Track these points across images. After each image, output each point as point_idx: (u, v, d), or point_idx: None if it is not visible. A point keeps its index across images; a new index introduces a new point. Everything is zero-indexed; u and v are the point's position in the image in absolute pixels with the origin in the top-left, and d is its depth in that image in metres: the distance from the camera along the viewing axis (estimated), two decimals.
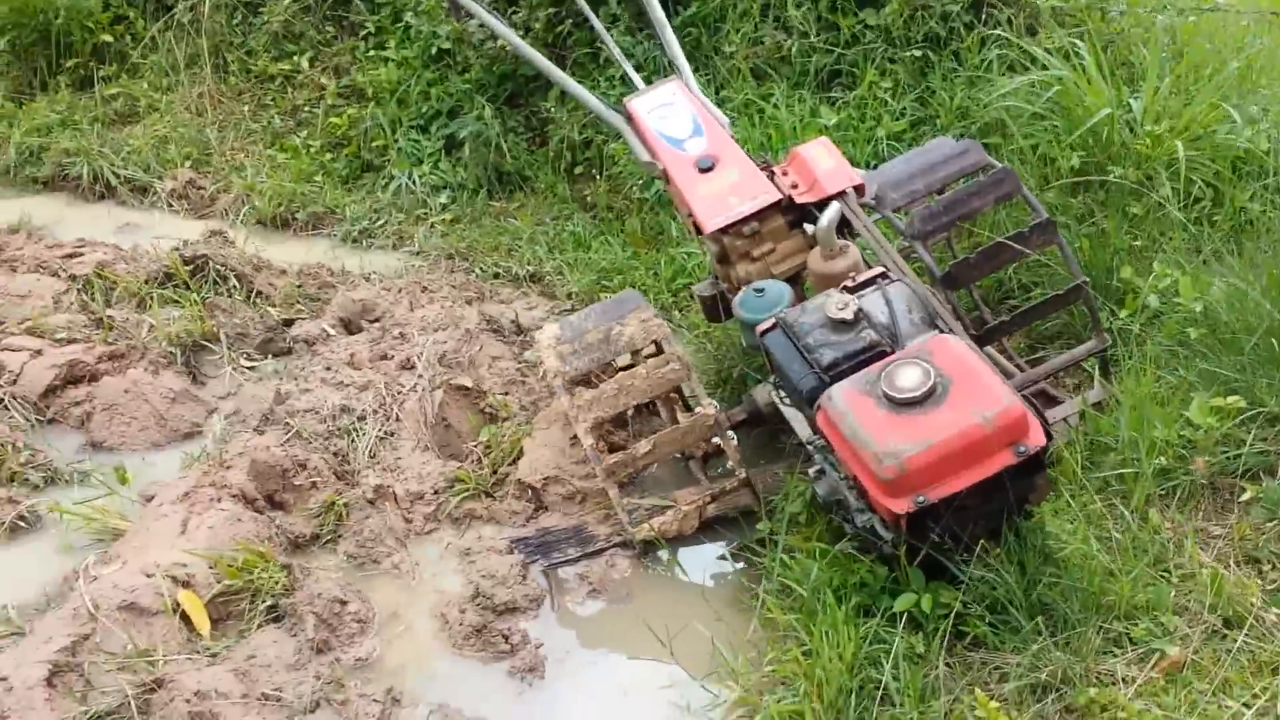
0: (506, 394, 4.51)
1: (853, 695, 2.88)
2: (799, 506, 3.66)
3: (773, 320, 3.43)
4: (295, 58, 7.12)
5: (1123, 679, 2.88)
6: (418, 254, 6.06)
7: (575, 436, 4.06)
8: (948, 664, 2.98)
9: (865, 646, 3.00)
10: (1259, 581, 3.07)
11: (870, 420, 2.99)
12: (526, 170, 6.49)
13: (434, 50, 6.73)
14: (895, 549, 3.05)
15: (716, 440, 4.00)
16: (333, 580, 3.61)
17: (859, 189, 3.87)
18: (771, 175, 4.00)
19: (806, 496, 3.66)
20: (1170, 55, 5.21)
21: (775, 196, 3.90)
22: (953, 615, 3.02)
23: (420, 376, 4.51)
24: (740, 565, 3.70)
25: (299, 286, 5.40)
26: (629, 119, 4.36)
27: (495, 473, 4.14)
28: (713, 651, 3.28)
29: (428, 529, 3.98)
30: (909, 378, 3.00)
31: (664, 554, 3.76)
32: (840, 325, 3.26)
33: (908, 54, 5.62)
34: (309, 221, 6.42)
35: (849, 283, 3.42)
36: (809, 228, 3.88)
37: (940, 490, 2.90)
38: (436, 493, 4.06)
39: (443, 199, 6.42)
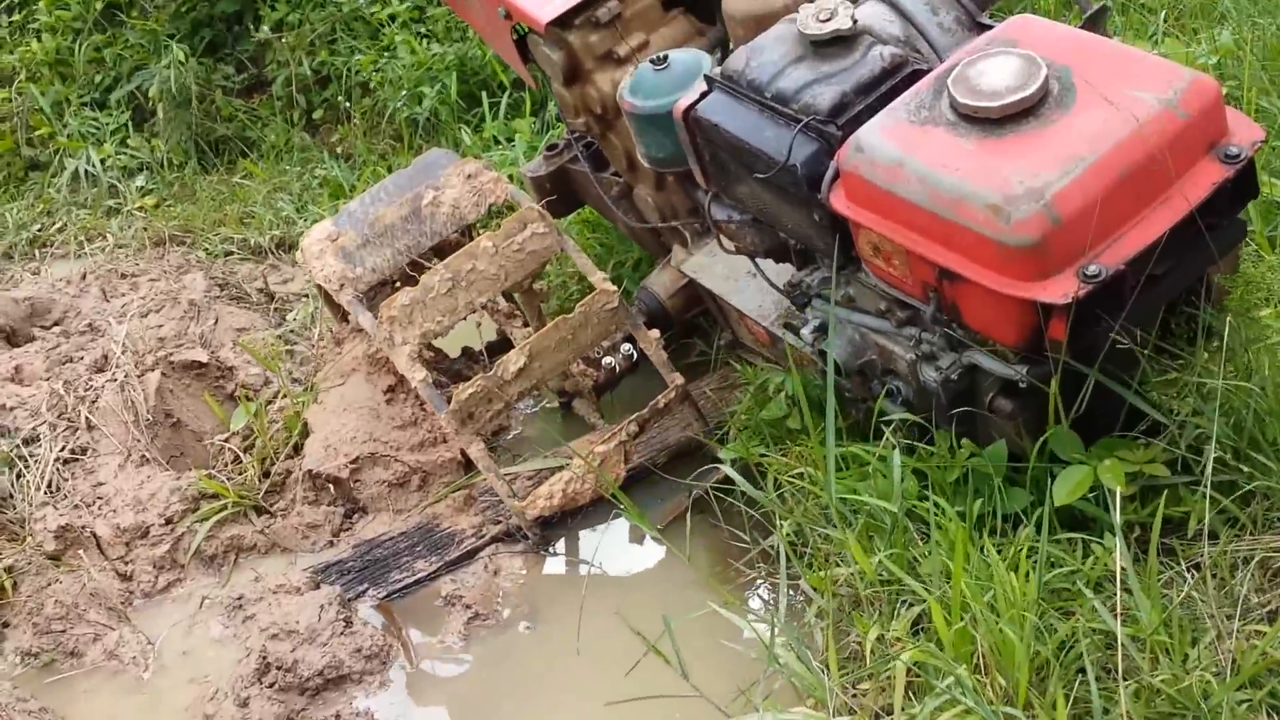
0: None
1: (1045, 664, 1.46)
2: (780, 408, 2.23)
3: (703, 86, 2.02)
4: None
5: None
6: (114, 249, 4.33)
7: (391, 387, 2.51)
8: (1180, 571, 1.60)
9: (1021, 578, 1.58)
10: None
11: (955, 158, 1.60)
12: (248, 130, 4.90)
13: (99, 5, 5.05)
14: (1035, 388, 1.66)
15: (610, 362, 2.53)
16: None
17: None
18: None
19: (787, 393, 2.24)
20: None
21: None
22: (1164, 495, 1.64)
23: (118, 366, 2.84)
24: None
25: None
26: None
27: (268, 475, 2.52)
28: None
29: (162, 583, 2.33)
30: (1004, 73, 1.64)
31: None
32: (831, 46, 1.87)
33: None
34: None
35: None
36: None
37: (1124, 246, 1.54)
38: (169, 522, 2.40)
39: (139, 181, 4.74)
